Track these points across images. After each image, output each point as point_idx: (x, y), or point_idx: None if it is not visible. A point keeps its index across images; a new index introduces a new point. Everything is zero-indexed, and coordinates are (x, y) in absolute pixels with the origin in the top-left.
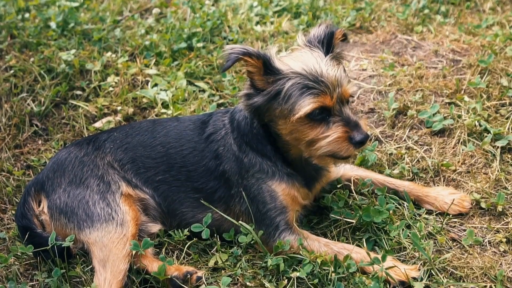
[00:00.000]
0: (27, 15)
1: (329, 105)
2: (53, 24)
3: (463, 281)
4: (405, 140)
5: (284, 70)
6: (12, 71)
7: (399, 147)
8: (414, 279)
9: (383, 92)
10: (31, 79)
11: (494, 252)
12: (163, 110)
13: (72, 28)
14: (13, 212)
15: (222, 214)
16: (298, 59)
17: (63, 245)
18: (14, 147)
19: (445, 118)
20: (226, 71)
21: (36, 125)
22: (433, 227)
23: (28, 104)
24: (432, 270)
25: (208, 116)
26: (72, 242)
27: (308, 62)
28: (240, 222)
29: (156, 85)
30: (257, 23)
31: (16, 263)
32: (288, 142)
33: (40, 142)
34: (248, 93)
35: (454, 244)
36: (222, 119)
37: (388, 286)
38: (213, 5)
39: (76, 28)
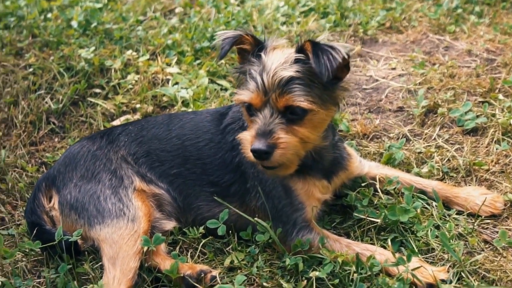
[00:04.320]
0: (49, 15)
1: (254, 104)
2: (74, 23)
3: (496, 285)
4: (435, 138)
5: (261, 58)
6: (31, 69)
7: (428, 145)
8: (443, 281)
9: (413, 90)
10: (50, 77)
11: None
12: (183, 108)
13: (94, 28)
14: (24, 208)
15: (236, 211)
16: (277, 53)
17: (70, 240)
18: (30, 144)
19: (477, 116)
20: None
21: (53, 123)
22: (463, 228)
23: (46, 102)
24: (462, 273)
25: (227, 108)
26: (80, 237)
27: (275, 58)
28: (256, 219)
29: (177, 83)
30: (283, 23)
31: (23, 259)
32: None
33: (56, 139)
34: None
35: (487, 246)
36: (241, 110)
37: None
38: (238, 5)
39: (98, 28)
